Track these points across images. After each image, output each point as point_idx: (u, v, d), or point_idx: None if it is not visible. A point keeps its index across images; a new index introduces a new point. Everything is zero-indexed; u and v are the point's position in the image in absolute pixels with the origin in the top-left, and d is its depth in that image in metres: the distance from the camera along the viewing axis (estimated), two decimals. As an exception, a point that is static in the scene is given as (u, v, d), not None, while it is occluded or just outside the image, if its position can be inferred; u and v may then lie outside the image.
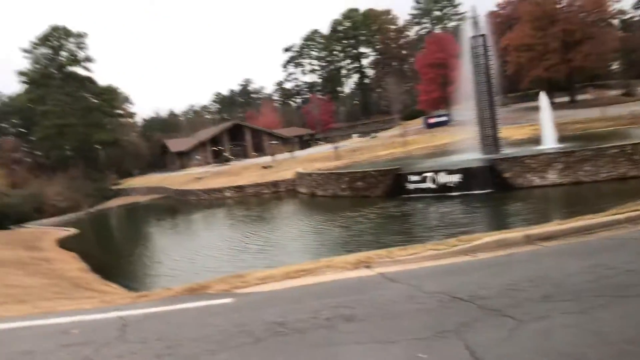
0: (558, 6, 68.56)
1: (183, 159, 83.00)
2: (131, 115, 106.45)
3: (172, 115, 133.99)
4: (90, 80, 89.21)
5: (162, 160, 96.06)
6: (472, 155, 31.84)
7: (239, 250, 20.19)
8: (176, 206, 46.41)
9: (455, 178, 25.33)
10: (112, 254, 26.90)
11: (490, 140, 31.20)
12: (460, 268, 7.42)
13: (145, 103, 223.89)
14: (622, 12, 77.06)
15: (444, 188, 25.51)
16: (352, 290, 6.78)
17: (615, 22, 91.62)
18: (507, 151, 30.85)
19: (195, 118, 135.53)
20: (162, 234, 30.92)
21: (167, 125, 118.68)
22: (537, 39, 68.18)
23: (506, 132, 41.81)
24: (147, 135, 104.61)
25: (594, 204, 16.97)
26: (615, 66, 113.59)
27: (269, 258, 17.11)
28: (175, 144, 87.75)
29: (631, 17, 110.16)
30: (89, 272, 20.14)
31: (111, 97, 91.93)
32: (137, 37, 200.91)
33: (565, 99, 75.59)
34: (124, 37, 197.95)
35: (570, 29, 66.24)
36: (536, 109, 47.60)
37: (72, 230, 37.00)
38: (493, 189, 24.46)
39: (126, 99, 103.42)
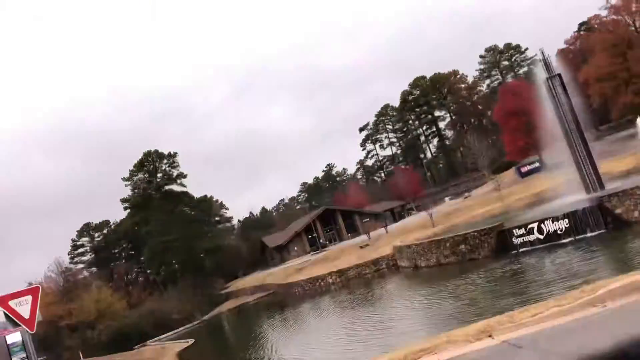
0: (632, 28, 66.06)
1: (282, 252, 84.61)
2: (228, 219, 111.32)
3: (265, 211, 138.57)
4: (186, 194, 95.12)
5: (262, 257, 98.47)
6: (575, 197, 30.18)
7: (356, 336, 19.85)
8: (283, 301, 46.87)
9: (563, 224, 23.98)
10: (232, 358, 27.28)
11: (591, 178, 29.55)
12: (589, 322, 6.86)
13: (239, 205, 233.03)
14: None
15: (552, 237, 24.16)
16: (478, 364, 6.43)
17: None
18: (613, 186, 29.00)
19: (286, 211, 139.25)
20: (274, 332, 31.13)
21: (261, 222, 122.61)
22: (618, 65, 65.51)
23: (606, 166, 39.46)
24: (246, 236, 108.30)
25: None
26: None
27: (387, 341, 16.67)
28: (272, 240, 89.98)
29: None
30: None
31: (207, 206, 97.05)
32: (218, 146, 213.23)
33: (663, 119, 70.80)
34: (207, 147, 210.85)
35: (650, 49, 63.28)
36: (633, 136, 44.94)
37: (190, 341, 38.07)
38: (605, 228, 22.86)
39: (221, 205, 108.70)
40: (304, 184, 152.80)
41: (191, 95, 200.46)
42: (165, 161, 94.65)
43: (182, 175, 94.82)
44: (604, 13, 68.81)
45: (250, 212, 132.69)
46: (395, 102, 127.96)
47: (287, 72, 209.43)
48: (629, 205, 22.74)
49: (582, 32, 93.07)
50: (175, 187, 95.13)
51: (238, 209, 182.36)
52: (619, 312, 6.88)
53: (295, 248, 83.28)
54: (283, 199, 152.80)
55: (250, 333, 34.90)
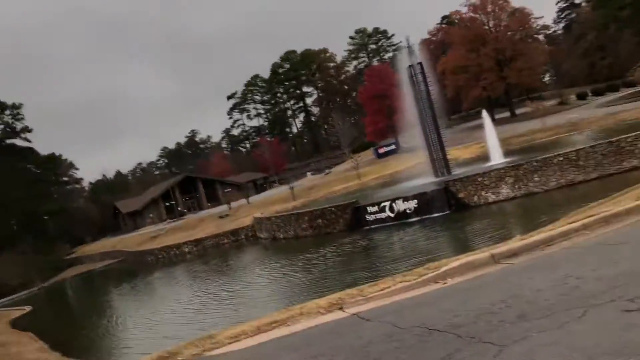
0: (486, 27, 71.83)
1: (136, 219, 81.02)
2: (77, 181, 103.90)
3: (120, 175, 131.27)
4: (31, 151, 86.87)
5: (114, 223, 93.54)
6: (425, 180, 32.37)
7: (205, 308, 19.57)
8: (133, 269, 44.98)
9: (412, 204, 25.60)
10: (71, 328, 25.66)
11: (440, 163, 31.86)
12: (432, 297, 7.36)
13: (91, 166, 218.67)
14: (545, 27, 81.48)
15: (402, 215, 25.71)
16: (329, 337, 6.60)
17: (541, 37, 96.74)
18: (458, 171, 31.53)
19: (143, 176, 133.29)
20: (121, 301, 29.78)
21: (115, 186, 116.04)
22: (472, 60, 71.07)
23: (454, 153, 42.89)
24: (97, 199, 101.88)
25: (549, 214, 17.39)
26: (547, 78, 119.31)
27: (238, 313, 16.64)
28: (126, 205, 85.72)
29: (554, 31, 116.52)
30: (49, 351, 19.09)
31: (54, 166, 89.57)
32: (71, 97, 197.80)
33: (506, 114, 78.52)
34: (59, 99, 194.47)
35: (501, 48, 69.39)
36: (480, 127, 49.20)
37: (25, 309, 35.23)
38: (450, 210, 24.83)
39: (71, 165, 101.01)
40: (164, 148, 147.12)
41: (43, 42, 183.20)
42: (7, 112, 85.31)
43: (27, 130, 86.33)
44: (464, 9, 74.04)
45: (104, 175, 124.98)
46: (266, 74, 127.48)
47: (152, 34, 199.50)
48: (471, 190, 24.88)
49: (444, 25, 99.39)
50: (18, 142, 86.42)
51: (90, 171, 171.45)
52: (457, 289, 7.44)
53: (151, 215, 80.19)
54: (141, 163, 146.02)
55: (97, 302, 33.06)
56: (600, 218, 9.16)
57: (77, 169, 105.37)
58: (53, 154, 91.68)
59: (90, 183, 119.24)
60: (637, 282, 5.42)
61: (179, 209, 77.95)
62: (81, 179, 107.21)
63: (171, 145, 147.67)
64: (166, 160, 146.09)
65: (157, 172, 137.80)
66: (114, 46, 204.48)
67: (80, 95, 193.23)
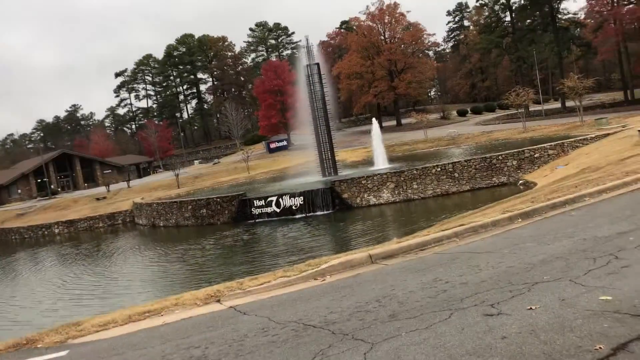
0: (382, 38, 74.48)
1: (1, 193, 74.30)
2: None
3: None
4: None
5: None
6: (312, 178, 32.96)
7: (71, 295, 18.40)
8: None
9: (298, 201, 25.95)
10: None
11: (328, 163, 32.58)
12: (311, 293, 7.47)
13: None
14: (436, 44, 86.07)
15: (287, 211, 25.98)
16: (203, 328, 6.46)
17: (431, 53, 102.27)
18: (345, 173, 32.44)
19: (15, 148, 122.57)
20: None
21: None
22: (366, 67, 73.36)
23: (342, 154, 44.03)
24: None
25: (425, 220, 18.42)
26: (432, 92, 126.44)
27: (107, 301, 15.83)
28: (-9, 178, 78.35)
29: (443, 49, 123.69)
30: None
31: None
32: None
33: (392, 122, 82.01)
34: None
35: (393, 59, 72.31)
36: (368, 132, 50.96)
37: None
38: (334, 209, 25.50)
39: None
40: (40, 121, 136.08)
41: None
42: None
43: None
44: (363, 17, 76.18)
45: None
46: (159, 55, 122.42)
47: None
48: (355, 192, 25.73)
49: (342, 30, 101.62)
50: None
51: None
52: (335, 286, 7.62)
53: (20, 191, 73.98)
54: (12, 134, 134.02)
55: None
56: (470, 227, 9.84)
57: None
58: None
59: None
60: (499, 289, 5.87)
61: (52, 187, 72.61)
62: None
63: (49, 119, 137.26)
64: (42, 134, 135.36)
65: (30, 146, 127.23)
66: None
67: None
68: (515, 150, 25.67)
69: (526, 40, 71.29)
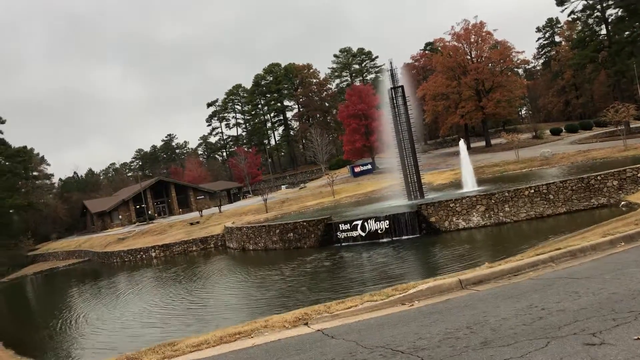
0: (468, 57, 73.12)
1: (104, 219, 79.59)
2: (48, 176, 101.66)
3: (92, 174, 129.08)
4: (1, 142, 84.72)
5: (82, 222, 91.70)
6: (398, 202, 32.63)
7: (166, 315, 19.25)
8: (98, 270, 44.07)
9: (384, 225, 25.72)
10: (28, 327, 24.93)
11: (414, 186, 32.14)
12: (398, 318, 7.36)
13: (63, 163, 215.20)
14: (525, 61, 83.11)
15: (373, 235, 25.80)
16: (292, 351, 6.53)
17: (520, 71, 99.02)
18: (431, 196, 31.86)
19: (116, 176, 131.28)
20: (83, 302, 29.06)
21: (86, 185, 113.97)
22: (452, 88, 72.16)
23: (429, 177, 43.36)
24: (65, 197, 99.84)
25: (518, 244, 17.65)
26: (523, 111, 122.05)
27: (200, 322, 16.40)
28: (96, 205, 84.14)
29: (534, 67, 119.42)
30: (2, 349, 18.50)
31: (25, 159, 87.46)
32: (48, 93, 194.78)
33: (481, 143, 79.76)
34: (37, 93, 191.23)
35: (480, 79, 70.63)
36: (455, 154, 49.89)
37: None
38: (420, 233, 25.02)
39: (42, 160, 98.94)
40: (139, 150, 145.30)
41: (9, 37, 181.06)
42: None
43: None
44: (448, 38, 75.26)
45: (75, 172, 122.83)
46: (248, 85, 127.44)
47: (124, 37, 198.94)
48: (442, 215, 25.13)
49: (427, 51, 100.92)
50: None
51: (62, 167, 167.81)
52: (424, 312, 7.46)
53: (120, 217, 78.88)
54: (114, 164, 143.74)
55: (58, 301, 32.18)
56: (567, 252, 9.33)
57: (48, 164, 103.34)
58: (25, 147, 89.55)
59: (61, 180, 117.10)
60: (601, 317, 5.50)
61: (150, 212, 76.83)
62: (52, 174, 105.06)
63: (147, 148, 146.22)
64: (140, 163, 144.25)
65: (130, 174, 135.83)
66: (82, 46, 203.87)
67: (52, 93, 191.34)
68: (616, 170, 24.06)
69: (625, 54, 67.24)
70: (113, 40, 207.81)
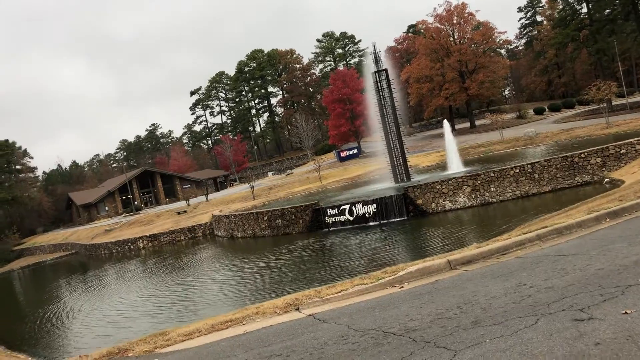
0: (451, 39, 73.07)
1: (91, 211, 78.94)
2: (31, 169, 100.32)
3: (76, 166, 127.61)
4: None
5: (68, 214, 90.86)
6: (384, 185, 32.73)
7: (156, 305, 19.21)
8: (85, 262, 43.82)
9: (371, 208, 25.81)
10: (16, 321, 24.75)
11: (400, 169, 32.23)
12: (389, 301, 7.40)
13: (47, 155, 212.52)
14: (507, 42, 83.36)
15: (361, 219, 25.90)
16: (284, 337, 6.54)
17: (503, 51, 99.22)
18: (418, 178, 31.98)
19: (100, 168, 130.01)
20: (70, 295, 28.88)
21: (70, 177, 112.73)
22: (435, 70, 72.17)
23: (415, 160, 43.49)
24: (51, 190, 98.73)
25: (504, 224, 17.81)
26: (507, 91, 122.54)
27: (191, 311, 16.39)
28: (81, 196, 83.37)
29: (516, 47, 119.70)
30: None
31: (7, 153, 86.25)
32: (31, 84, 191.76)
33: (466, 124, 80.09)
34: (19, 85, 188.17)
35: (464, 60, 70.70)
36: (440, 136, 50.07)
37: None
38: (408, 216, 25.14)
39: (25, 153, 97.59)
40: (123, 141, 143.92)
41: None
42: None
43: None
44: (430, 20, 75.12)
45: (59, 165, 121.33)
46: (231, 72, 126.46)
47: (80, 30, 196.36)
48: (429, 197, 25.27)
49: (409, 34, 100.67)
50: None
51: (45, 160, 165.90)
52: (414, 293, 7.51)
53: (107, 208, 78.31)
54: (98, 155, 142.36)
55: (45, 294, 31.96)
56: (554, 229, 9.42)
57: (31, 157, 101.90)
58: (7, 140, 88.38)
59: (44, 172, 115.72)
60: (588, 292, 5.57)
61: (136, 203, 76.34)
62: (35, 168, 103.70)
63: (131, 138, 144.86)
64: (125, 153, 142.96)
65: (115, 165, 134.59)
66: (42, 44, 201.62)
67: (21, 91, 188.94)
68: (599, 147, 24.30)
69: (606, 31, 67.72)
70: (71, 36, 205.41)
